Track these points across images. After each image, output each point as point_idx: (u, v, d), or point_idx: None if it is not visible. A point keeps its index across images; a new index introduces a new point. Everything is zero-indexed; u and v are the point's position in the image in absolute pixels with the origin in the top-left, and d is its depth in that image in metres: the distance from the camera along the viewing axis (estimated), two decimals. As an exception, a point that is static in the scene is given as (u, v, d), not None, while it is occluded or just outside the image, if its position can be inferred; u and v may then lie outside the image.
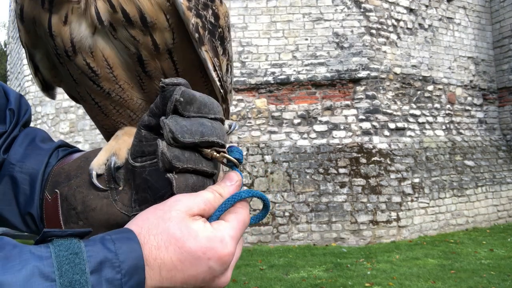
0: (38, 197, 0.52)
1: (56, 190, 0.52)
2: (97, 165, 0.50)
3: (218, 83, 0.53)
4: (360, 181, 6.85)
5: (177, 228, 0.38)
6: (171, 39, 0.49)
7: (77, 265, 0.33)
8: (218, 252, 0.39)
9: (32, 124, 0.62)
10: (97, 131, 8.01)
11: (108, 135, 0.57)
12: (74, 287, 0.33)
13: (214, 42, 0.51)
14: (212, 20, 0.51)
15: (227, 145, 0.46)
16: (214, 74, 0.52)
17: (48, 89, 0.59)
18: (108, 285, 0.34)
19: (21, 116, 0.57)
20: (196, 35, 0.48)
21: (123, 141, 0.52)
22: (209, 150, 0.43)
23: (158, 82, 0.50)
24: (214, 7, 0.51)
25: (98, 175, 0.50)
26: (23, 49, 0.56)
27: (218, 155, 0.44)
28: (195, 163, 0.43)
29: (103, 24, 0.46)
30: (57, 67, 0.54)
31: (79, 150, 0.59)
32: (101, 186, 0.49)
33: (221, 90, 0.54)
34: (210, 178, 0.46)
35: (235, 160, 0.45)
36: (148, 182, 0.46)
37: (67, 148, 0.58)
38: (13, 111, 0.56)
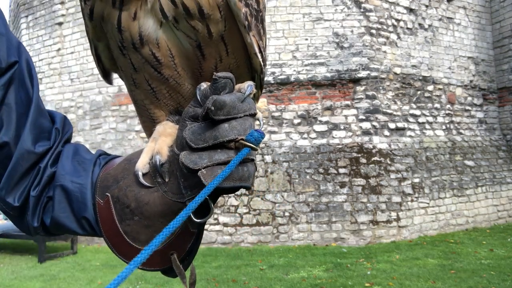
0: (91, 202, 0.58)
1: (107, 193, 0.57)
2: (142, 165, 0.56)
3: (260, 60, 0.60)
4: (360, 181, 6.85)
5: None
6: (223, 27, 0.55)
7: None
8: None
9: None
10: (97, 131, 8.01)
11: (150, 120, 0.63)
12: None
13: (258, 26, 0.59)
14: (256, 7, 0.58)
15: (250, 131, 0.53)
16: (259, 55, 0.59)
17: (106, 77, 0.67)
18: None
19: (64, 134, 0.64)
20: (246, 22, 0.55)
21: (162, 141, 0.58)
22: (230, 144, 0.50)
23: (213, 62, 0.57)
24: None
25: (144, 174, 0.56)
26: (90, 43, 0.63)
27: (237, 144, 0.50)
28: (215, 159, 0.50)
29: (167, 18, 0.53)
30: (115, 58, 0.61)
31: (117, 156, 0.66)
32: (148, 184, 0.55)
33: (262, 66, 0.62)
34: (249, 162, 0.52)
35: (250, 145, 0.50)
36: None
37: (107, 156, 0.65)
38: (59, 130, 0.63)
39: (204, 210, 0.54)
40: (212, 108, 0.49)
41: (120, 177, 0.58)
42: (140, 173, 0.56)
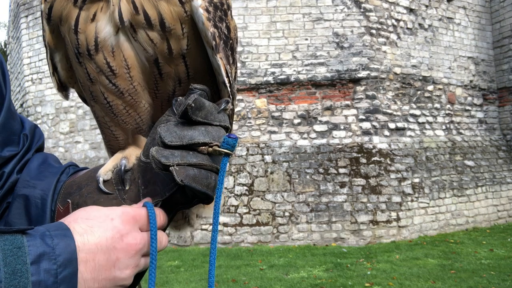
0: (50, 209, 0.57)
1: (68, 200, 0.57)
2: (104, 172, 0.56)
3: (228, 89, 0.57)
4: (360, 181, 6.85)
5: (83, 209, 0.49)
6: (186, 45, 0.53)
7: (19, 257, 0.40)
8: (119, 213, 0.48)
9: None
10: (97, 131, 8.00)
11: (112, 138, 0.61)
12: (17, 275, 0.39)
13: (227, 51, 0.57)
14: (226, 32, 0.56)
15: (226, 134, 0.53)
16: (226, 80, 0.56)
17: (63, 90, 0.64)
18: (45, 274, 0.41)
19: (35, 142, 0.63)
20: (213, 42, 0.53)
21: (132, 150, 0.58)
22: (203, 148, 0.50)
23: (171, 84, 0.55)
24: (227, 21, 0.57)
25: (105, 181, 0.56)
26: (46, 49, 0.60)
27: (211, 149, 0.50)
28: (187, 159, 0.49)
29: (123, 24, 0.50)
30: (74, 68, 0.58)
31: (88, 168, 0.65)
32: (107, 191, 0.55)
33: (230, 95, 0.58)
34: (214, 172, 0.52)
35: (225, 151, 0.51)
36: (159, 176, 0.52)
37: (77, 167, 0.64)
38: (27, 136, 0.62)
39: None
40: (193, 105, 0.49)
41: (84, 184, 0.57)
42: (101, 179, 0.56)
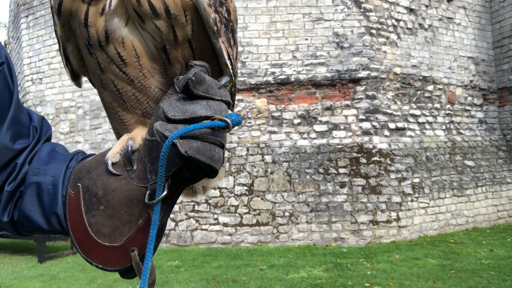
0: (61, 194, 0.59)
1: (78, 184, 0.59)
2: (112, 155, 0.59)
3: (231, 70, 0.60)
4: (360, 181, 6.85)
5: None
6: (191, 30, 0.56)
7: None
8: None
9: None
10: (97, 131, 8.01)
11: (119, 123, 0.63)
12: None
13: (228, 34, 0.59)
14: (226, 15, 0.59)
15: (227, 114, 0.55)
16: (228, 62, 0.59)
17: (76, 79, 0.67)
18: None
19: (43, 134, 0.66)
20: (215, 28, 0.56)
21: (137, 131, 0.60)
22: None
23: (179, 67, 0.58)
24: (226, 4, 0.59)
25: (114, 163, 0.58)
26: (58, 42, 0.63)
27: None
28: (192, 132, 0.51)
29: (133, 16, 0.53)
30: (84, 58, 0.61)
31: (95, 154, 0.67)
32: (116, 172, 0.57)
33: (232, 75, 0.61)
34: (218, 146, 0.54)
35: (227, 120, 0.52)
36: None
37: (85, 154, 0.67)
38: (36, 128, 0.65)
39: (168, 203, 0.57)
40: (193, 78, 0.51)
41: (93, 168, 0.59)
42: (109, 162, 0.58)
